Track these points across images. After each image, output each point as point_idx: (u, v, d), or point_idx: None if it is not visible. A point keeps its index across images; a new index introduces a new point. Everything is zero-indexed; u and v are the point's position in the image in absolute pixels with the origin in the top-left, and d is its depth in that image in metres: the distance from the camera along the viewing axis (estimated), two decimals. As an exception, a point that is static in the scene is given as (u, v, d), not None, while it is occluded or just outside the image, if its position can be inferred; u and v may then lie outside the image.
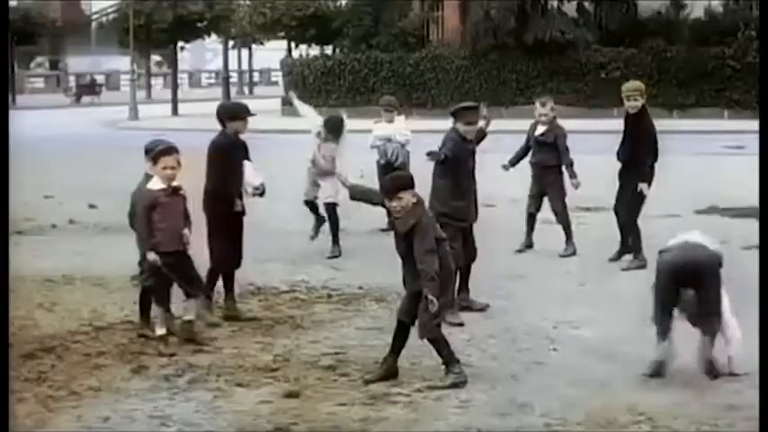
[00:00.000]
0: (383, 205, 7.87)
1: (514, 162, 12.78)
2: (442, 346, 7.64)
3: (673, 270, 7.71)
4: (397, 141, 14.26)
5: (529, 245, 12.58)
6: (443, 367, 7.61)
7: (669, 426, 6.75)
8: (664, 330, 7.68)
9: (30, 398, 7.36)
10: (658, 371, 7.70)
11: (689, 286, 7.64)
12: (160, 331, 8.59)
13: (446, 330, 7.87)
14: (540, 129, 12.55)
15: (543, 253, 12.33)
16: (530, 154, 12.70)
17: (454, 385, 7.47)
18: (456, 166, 9.81)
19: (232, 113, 9.90)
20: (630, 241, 11.79)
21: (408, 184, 7.71)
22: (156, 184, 8.60)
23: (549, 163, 12.45)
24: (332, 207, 12.87)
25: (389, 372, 7.71)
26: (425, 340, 7.67)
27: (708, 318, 7.64)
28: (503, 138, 13.59)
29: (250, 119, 9.94)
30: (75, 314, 9.75)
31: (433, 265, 7.45)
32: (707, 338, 7.66)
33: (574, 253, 12.26)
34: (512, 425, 6.81)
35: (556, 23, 38.29)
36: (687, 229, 10.22)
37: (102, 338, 8.93)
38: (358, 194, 8.30)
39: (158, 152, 8.65)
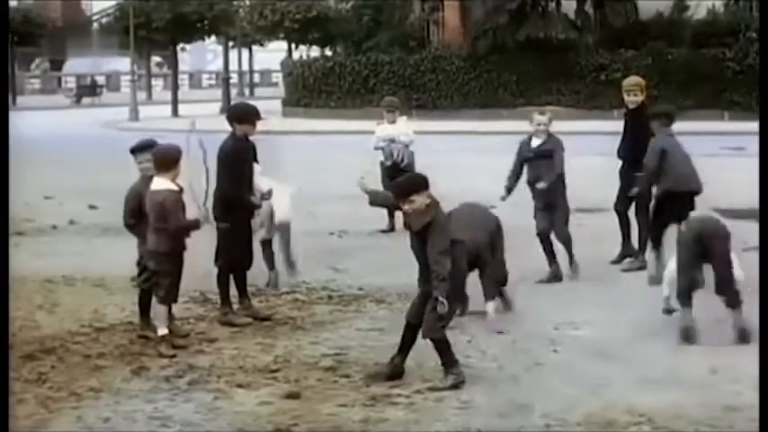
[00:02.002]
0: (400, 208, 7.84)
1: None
2: (444, 348, 7.62)
3: (690, 242, 8.81)
4: (401, 142, 14.26)
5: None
6: (442, 368, 7.61)
7: (669, 426, 6.76)
8: (685, 299, 8.75)
9: (30, 399, 7.37)
10: (687, 337, 8.59)
11: (704, 257, 8.75)
12: (162, 331, 8.60)
13: (449, 331, 7.86)
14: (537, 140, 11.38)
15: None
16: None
17: (454, 386, 7.47)
18: None
19: (242, 116, 9.87)
20: (638, 240, 11.77)
21: (421, 186, 7.63)
22: (169, 183, 8.61)
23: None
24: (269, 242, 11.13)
25: (395, 372, 7.71)
26: (428, 341, 7.66)
27: (725, 289, 8.69)
28: (502, 138, 13.58)
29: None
30: (76, 315, 9.76)
31: (446, 267, 7.41)
32: (735, 310, 8.69)
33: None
34: (512, 426, 6.81)
35: (556, 25, 38.31)
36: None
37: (102, 339, 8.93)
38: (380, 200, 8.44)
39: (177, 157, 8.70)
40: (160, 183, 8.62)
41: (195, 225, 8.75)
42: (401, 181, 8.00)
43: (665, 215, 10.83)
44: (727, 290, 8.74)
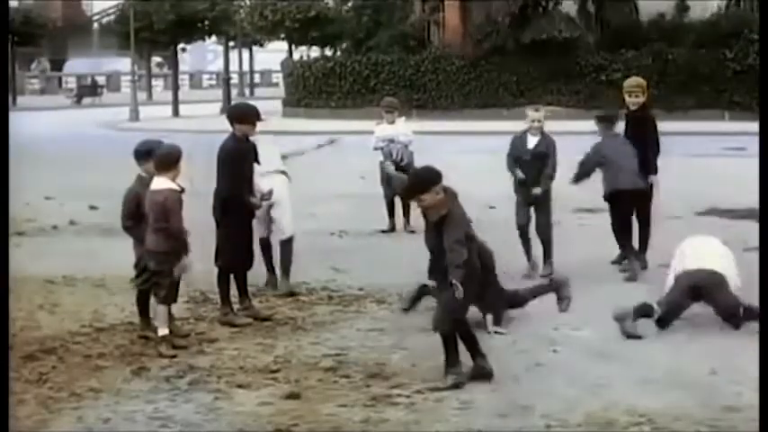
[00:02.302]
0: None
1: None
2: (450, 344, 7.58)
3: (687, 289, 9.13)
4: (400, 142, 14.28)
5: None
6: (444, 366, 7.59)
7: (669, 427, 6.76)
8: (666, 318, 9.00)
9: (30, 399, 7.37)
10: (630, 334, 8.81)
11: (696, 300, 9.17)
12: (162, 332, 8.60)
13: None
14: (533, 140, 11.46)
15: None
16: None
17: (454, 386, 7.47)
18: None
19: (241, 116, 9.89)
20: (638, 240, 11.77)
21: (427, 184, 7.55)
22: (170, 183, 8.62)
23: None
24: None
25: (481, 373, 7.66)
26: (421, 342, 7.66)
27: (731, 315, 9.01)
28: (503, 138, 13.56)
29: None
30: (76, 315, 9.75)
31: (462, 255, 7.38)
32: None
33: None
34: (512, 426, 6.81)
35: (557, 25, 38.32)
36: (687, 230, 10.26)
37: (102, 340, 8.93)
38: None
39: (178, 157, 8.73)
40: (161, 182, 8.62)
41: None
42: (408, 181, 7.99)
43: (617, 213, 11.56)
44: (733, 319, 9.04)
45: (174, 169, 8.67)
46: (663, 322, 9.00)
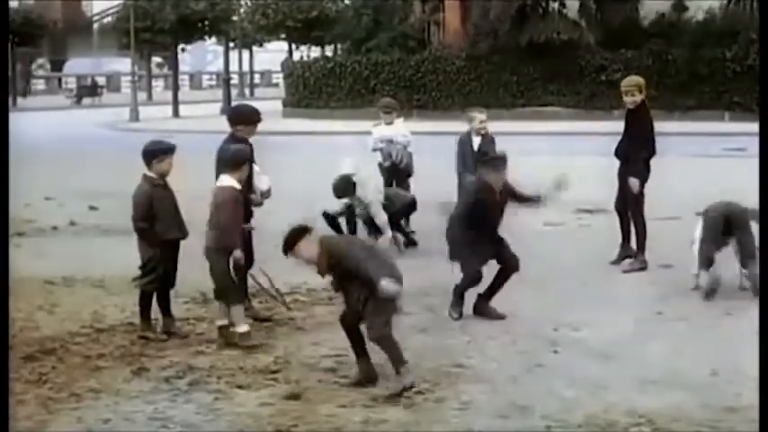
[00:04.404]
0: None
1: None
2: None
3: (717, 223, 10.30)
4: (398, 143, 14.24)
5: None
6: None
7: (669, 428, 6.76)
8: (709, 264, 10.09)
9: (30, 400, 7.37)
10: (711, 293, 9.98)
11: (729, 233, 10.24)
12: (242, 328, 8.71)
13: (450, 332, 7.83)
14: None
15: (543, 255, 12.32)
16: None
17: (405, 389, 7.39)
18: None
19: (239, 117, 9.91)
20: (635, 240, 11.78)
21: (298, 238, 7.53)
22: (232, 182, 8.76)
23: None
24: None
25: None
26: (426, 343, 7.66)
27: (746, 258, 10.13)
28: (503, 139, 13.57)
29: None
30: (76, 316, 9.75)
31: (369, 266, 7.39)
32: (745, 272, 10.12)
33: None
34: (512, 427, 6.81)
35: (556, 25, 38.33)
36: (687, 230, 10.27)
37: (102, 340, 8.93)
38: None
39: (245, 159, 9.00)
40: (224, 180, 8.80)
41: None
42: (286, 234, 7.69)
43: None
44: (751, 262, 10.05)
45: (240, 170, 8.86)
46: (708, 261, 10.10)
